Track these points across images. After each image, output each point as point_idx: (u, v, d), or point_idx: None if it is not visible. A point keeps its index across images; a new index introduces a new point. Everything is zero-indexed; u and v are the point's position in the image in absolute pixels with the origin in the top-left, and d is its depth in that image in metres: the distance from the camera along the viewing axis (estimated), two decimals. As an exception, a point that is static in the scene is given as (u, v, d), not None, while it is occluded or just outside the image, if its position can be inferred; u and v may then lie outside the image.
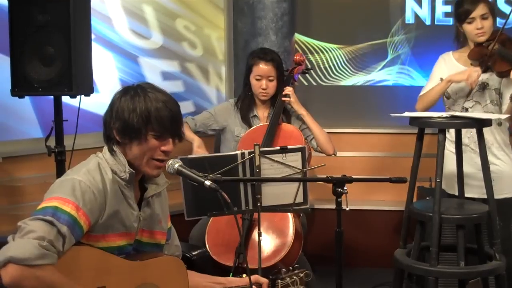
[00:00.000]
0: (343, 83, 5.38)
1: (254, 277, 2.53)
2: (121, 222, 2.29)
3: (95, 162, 2.29)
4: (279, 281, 2.52)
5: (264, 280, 2.54)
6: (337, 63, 5.35)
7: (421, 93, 3.83)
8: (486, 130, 3.60)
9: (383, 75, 5.33)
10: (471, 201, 3.58)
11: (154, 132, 2.27)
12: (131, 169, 2.29)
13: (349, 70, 5.36)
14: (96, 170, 2.26)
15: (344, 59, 5.35)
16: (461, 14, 3.66)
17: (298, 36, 5.25)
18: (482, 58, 3.59)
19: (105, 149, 2.34)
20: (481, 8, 3.61)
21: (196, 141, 3.96)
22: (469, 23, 3.63)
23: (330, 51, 5.34)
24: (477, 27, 3.61)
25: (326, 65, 5.36)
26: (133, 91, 2.30)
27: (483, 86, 3.68)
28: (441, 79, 3.72)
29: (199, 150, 3.90)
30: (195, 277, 2.56)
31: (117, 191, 2.28)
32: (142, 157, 2.29)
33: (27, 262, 1.97)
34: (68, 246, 2.10)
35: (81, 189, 2.17)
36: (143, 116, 2.25)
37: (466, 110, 3.70)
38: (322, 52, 5.36)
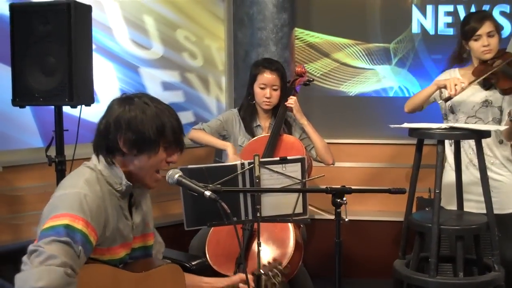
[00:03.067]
0: (343, 93, 5.39)
1: (238, 276, 2.61)
2: (120, 234, 2.29)
3: (92, 173, 2.25)
4: (263, 276, 2.58)
5: (248, 276, 2.54)
6: (337, 73, 5.37)
7: (413, 95, 3.88)
8: (487, 147, 3.62)
9: (384, 85, 5.35)
10: (470, 212, 3.58)
11: (166, 143, 2.26)
12: (128, 182, 2.27)
13: (349, 80, 5.37)
14: (95, 181, 2.22)
15: (344, 68, 5.37)
16: (467, 31, 3.65)
17: (298, 41, 5.27)
18: (486, 73, 3.58)
19: (96, 160, 2.29)
20: (488, 25, 3.61)
21: (230, 147, 3.92)
22: (476, 40, 3.63)
23: (332, 56, 5.36)
24: (484, 44, 3.61)
25: (326, 75, 5.38)
26: (139, 101, 2.27)
27: (486, 104, 3.68)
28: (440, 91, 3.73)
29: (235, 156, 3.84)
30: (187, 279, 2.57)
31: (115, 204, 2.27)
32: (150, 169, 2.27)
33: None
34: (82, 265, 2.06)
35: (88, 203, 2.12)
36: (158, 128, 2.23)
37: None
38: (323, 57, 5.37)
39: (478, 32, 3.61)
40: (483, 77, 3.58)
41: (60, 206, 2.10)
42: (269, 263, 2.64)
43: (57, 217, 2.05)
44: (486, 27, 3.61)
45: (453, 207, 3.62)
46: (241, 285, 2.58)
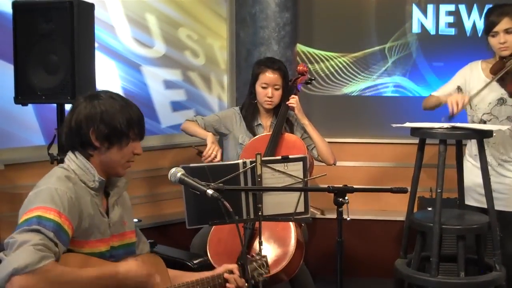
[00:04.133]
0: (345, 92, 5.39)
1: (223, 266, 2.64)
2: (98, 229, 2.33)
3: (63, 172, 2.32)
4: (248, 266, 2.65)
5: (233, 266, 2.64)
6: (338, 73, 5.37)
7: (432, 93, 3.84)
8: (501, 145, 3.62)
9: (385, 84, 5.35)
10: (472, 212, 3.59)
11: (134, 135, 2.35)
12: (101, 177, 2.34)
13: (350, 80, 5.38)
14: (66, 179, 2.29)
15: (346, 69, 5.37)
16: (486, 26, 3.60)
17: (299, 47, 5.27)
18: (499, 73, 3.55)
19: (70, 160, 2.36)
20: (506, 22, 3.52)
21: (210, 136, 3.94)
22: (493, 36, 3.56)
23: (332, 60, 5.37)
24: (500, 41, 3.53)
25: (328, 75, 5.38)
26: (106, 95, 2.36)
27: (501, 102, 3.66)
28: (458, 87, 3.71)
29: (213, 145, 3.88)
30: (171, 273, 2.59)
31: (89, 200, 2.32)
32: (121, 160, 2.36)
33: (30, 268, 1.98)
34: (61, 250, 2.12)
35: (59, 195, 2.20)
36: (128, 120, 2.32)
37: (484, 122, 3.68)
38: (322, 61, 5.37)
39: (495, 29, 3.53)
40: (495, 79, 3.54)
41: (33, 201, 2.21)
42: (254, 255, 2.70)
43: (30, 211, 2.16)
44: (504, 24, 3.52)
45: (475, 203, 3.66)
46: (226, 274, 2.61)
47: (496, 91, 3.62)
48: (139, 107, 2.42)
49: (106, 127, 2.30)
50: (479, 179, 3.46)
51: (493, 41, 3.58)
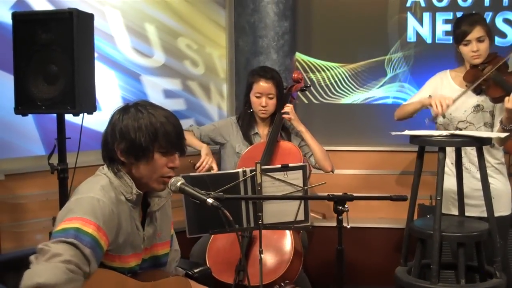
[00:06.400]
0: (344, 101, 5.40)
1: None
2: (131, 244, 2.30)
3: (107, 180, 2.27)
4: None
5: None
6: (337, 81, 5.37)
7: (405, 102, 3.95)
8: None
9: (383, 93, 5.35)
10: (472, 219, 3.59)
11: (161, 149, 2.27)
12: (139, 190, 2.29)
13: (349, 88, 5.38)
14: (110, 188, 2.25)
15: (344, 77, 5.37)
16: (458, 35, 3.67)
17: (299, 55, 5.28)
18: (477, 80, 3.59)
19: (107, 170, 2.32)
20: (478, 30, 3.61)
21: (204, 148, 3.98)
22: (465, 45, 3.63)
23: (331, 69, 5.37)
24: (473, 50, 3.61)
25: (327, 83, 5.39)
26: (134, 109, 2.29)
27: (478, 109, 3.69)
28: (430, 97, 3.75)
29: (207, 157, 3.90)
30: None
31: (127, 213, 2.28)
32: (151, 175, 2.29)
33: None
34: (93, 269, 2.08)
35: (101, 208, 2.15)
36: (150, 134, 2.25)
37: (460, 130, 3.70)
38: (323, 70, 5.38)
39: (468, 37, 3.61)
40: (473, 86, 3.59)
41: (74, 209, 2.14)
42: (282, 284, 2.60)
43: (69, 220, 2.10)
44: (476, 32, 3.61)
45: (449, 212, 3.63)
46: None
47: (471, 98, 3.67)
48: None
49: (126, 143, 2.25)
50: (455, 187, 3.52)
51: (465, 49, 3.65)
